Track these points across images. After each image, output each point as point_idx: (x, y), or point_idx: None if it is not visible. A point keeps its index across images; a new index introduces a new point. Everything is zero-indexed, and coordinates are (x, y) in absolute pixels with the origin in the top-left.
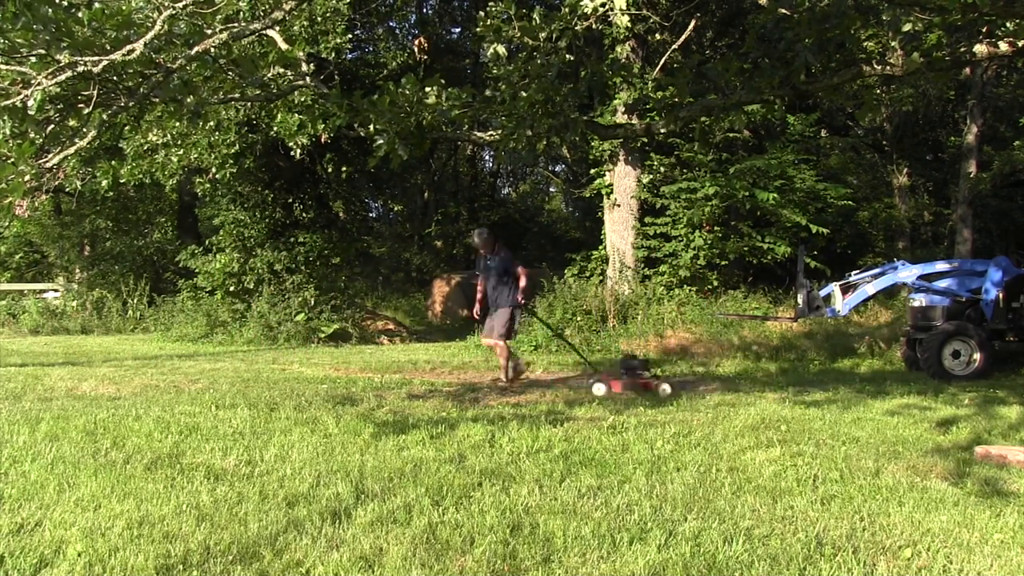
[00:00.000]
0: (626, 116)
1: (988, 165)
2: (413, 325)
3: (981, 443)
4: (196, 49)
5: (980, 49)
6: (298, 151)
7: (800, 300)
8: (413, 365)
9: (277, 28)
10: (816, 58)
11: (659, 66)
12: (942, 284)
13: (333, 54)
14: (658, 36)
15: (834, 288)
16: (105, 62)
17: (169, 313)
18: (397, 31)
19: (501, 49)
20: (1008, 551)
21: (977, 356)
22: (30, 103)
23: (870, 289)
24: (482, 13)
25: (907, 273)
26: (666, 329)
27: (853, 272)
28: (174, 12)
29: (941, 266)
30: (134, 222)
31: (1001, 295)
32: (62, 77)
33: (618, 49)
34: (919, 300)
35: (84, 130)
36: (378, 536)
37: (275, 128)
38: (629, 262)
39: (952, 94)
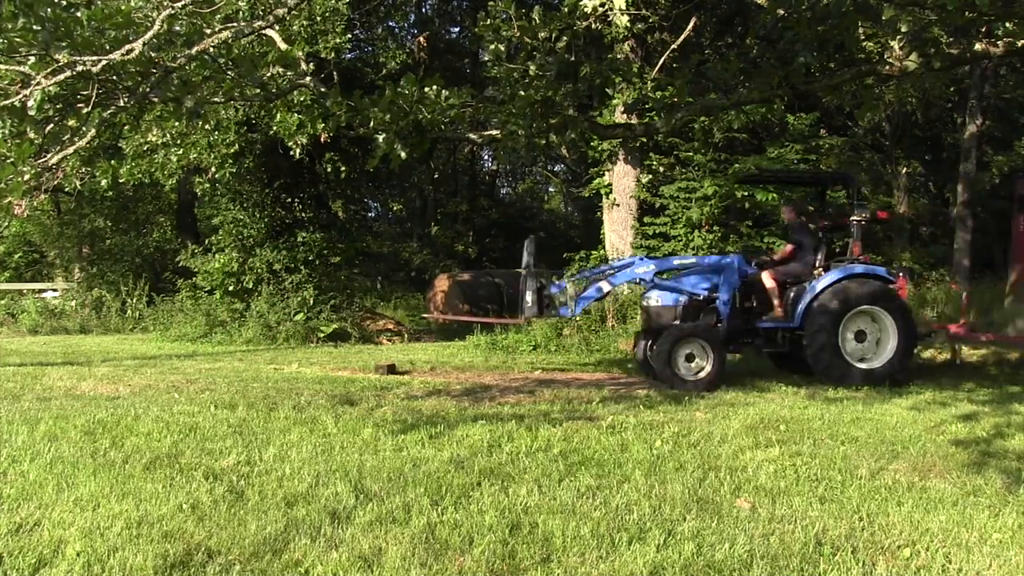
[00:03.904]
0: (626, 116)
1: (988, 165)
2: (413, 325)
3: (981, 442)
4: (195, 49)
5: (979, 48)
6: (298, 151)
7: (529, 299)
8: (412, 365)
9: (276, 28)
10: (815, 58)
11: (659, 66)
12: (687, 281)
13: (332, 54)
14: (657, 36)
15: (566, 285)
16: (104, 62)
17: (168, 313)
18: (396, 31)
19: (501, 48)
20: (1007, 551)
21: (709, 361)
22: (30, 103)
23: (605, 286)
24: (482, 13)
25: (644, 269)
26: None
27: (587, 269)
28: (173, 12)
29: (679, 262)
30: (133, 222)
31: (736, 295)
32: (61, 77)
33: (617, 49)
34: (654, 298)
35: (83, 130)
36: (377, 536)
37: (275, 128)
38: None
39: (953, 91)
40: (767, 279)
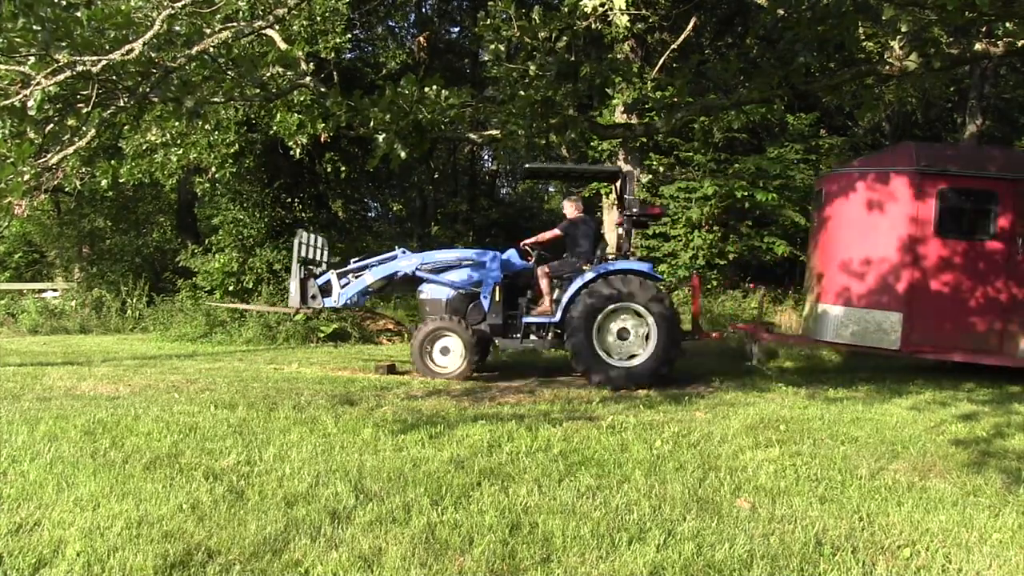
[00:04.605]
0: (626, 116)
1: None
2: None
3: (981, 442)
4: (195, 49)
5: (979, 48)
6: (298, 150)
7: (293, 289)
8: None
9: (276, 27)
10: (815, 58)
11: (659, 66)
12: (451, 275)
13: (332, 54)
14: (657, 36)
15: (332, 277)
16: (104, 62)
17: (168, 313)
18: (396, 31)
19: (501, 48)
20: (1007, 551)
21: (462, 355)
22: (29, 103)
23: (368, 278)
24: (482, 13)
25: (407, 263)
26: None
27: (353, 260)
28: (173, 12)
29: (443, 255)
30: (133, 222)
31: (498, 289)
32: (61, 77)
33: (617, 49)
34: (425, 292)
35: (83, 130)
36: (377, 536)
37: (275, 128)
38: None
39: (953, 91)
40: (540, 274)
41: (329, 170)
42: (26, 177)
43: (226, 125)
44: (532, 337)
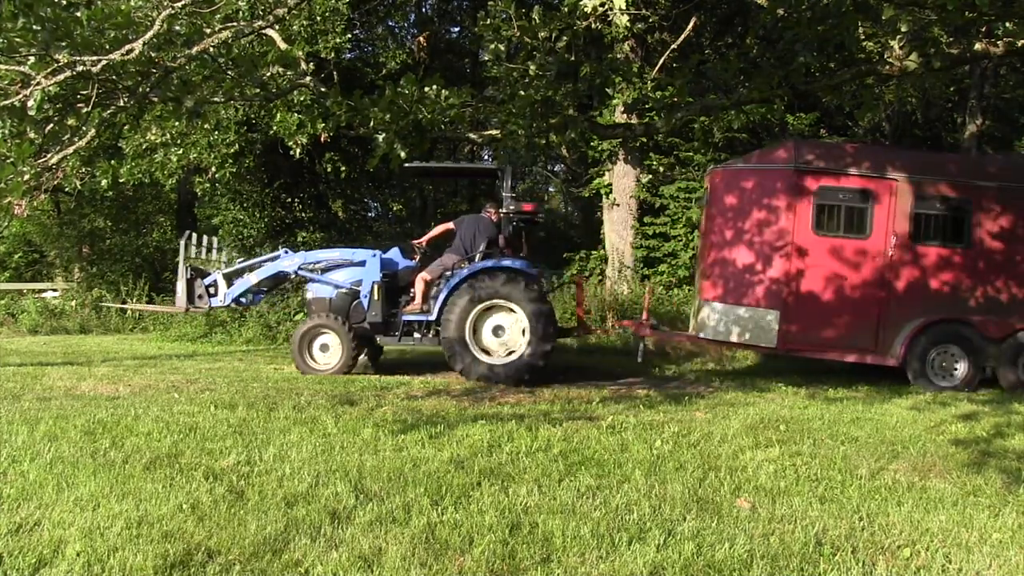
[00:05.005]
0: (626, 116)
1: None
2: None
3: (981, 442)
4: (195, 49)
5: (979, 48)
6: (298, 150)
7: (179, 289)
8: (411, 364)
9: (276, 27)
10: (815, 58)
11: (659, 66)
12: (336, 275)
13: (332, 54)
14: (657, 36)
15: (218, 277)
16: (104, 62)
17: (168, 313)
18: (396, 31)
19: (501, 48)
20: (1007, 550)
21: (340, 352)
22: (29, 103)
23: (253, 278)
24: (482, 13)
25: (289, 262)
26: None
27: (239, 259)
28: (173, 12)
29: (325, 255)
30: (133, 222)
31: (376, 287)
32: (61, 77)
33: (617, 49)
34: (311, 291)
35: (83, 129)
36: (377, 536)
37: (275, 127)
38: (628, 262)
39: (953, 91)
40: (422, 273)
41: (329, 170)
42: (26, 177)
43: (226, 125)
44: (416, 335)
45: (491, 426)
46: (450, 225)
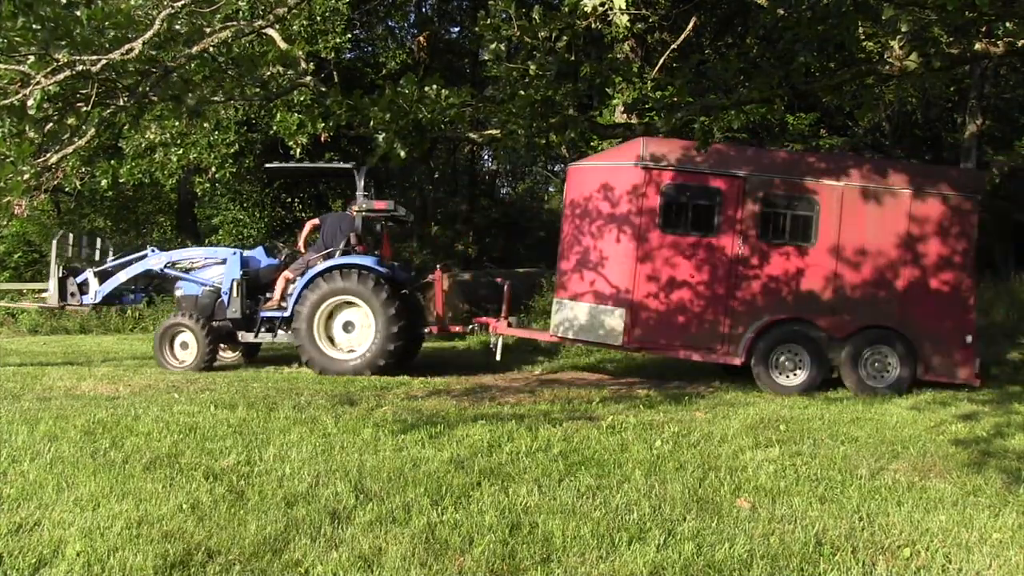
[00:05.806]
0: (626, 116)
1: (988, 165)
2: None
3: (981, 442)
4: (196, 48)
5: (979, 48)
6: (298, 150)
7: (51, 287)
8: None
9: (276, 27)
10: (815, 58)
11: (659, 66)
12: (203, 273)
13: (332, 53)
14: (657, 36)
15: (89, 275)
16: (104, 61)
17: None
18: (396, 31)
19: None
20: (1007, 550)
21: (196, 348)
22: (29, 102)
23: (122, 276)
24: (482, 12)
25: (156, 260)
26: None
27: (109, 258)
28: (173, 11)
29: (190, 254)
30: (133, 222)
31: (236, 285)
32: (61, 76)
33: (617, 49)
34: (180, 289)
35: (83, 129)
36: (377, 536)
37: (275, 127)
38: None
39: (953, 91)
40: (286, 271)
41: None
42: (26, 177)
43: (226, 125)
44: (280, 332)
45: (491, 426)
46: (316, 222)
